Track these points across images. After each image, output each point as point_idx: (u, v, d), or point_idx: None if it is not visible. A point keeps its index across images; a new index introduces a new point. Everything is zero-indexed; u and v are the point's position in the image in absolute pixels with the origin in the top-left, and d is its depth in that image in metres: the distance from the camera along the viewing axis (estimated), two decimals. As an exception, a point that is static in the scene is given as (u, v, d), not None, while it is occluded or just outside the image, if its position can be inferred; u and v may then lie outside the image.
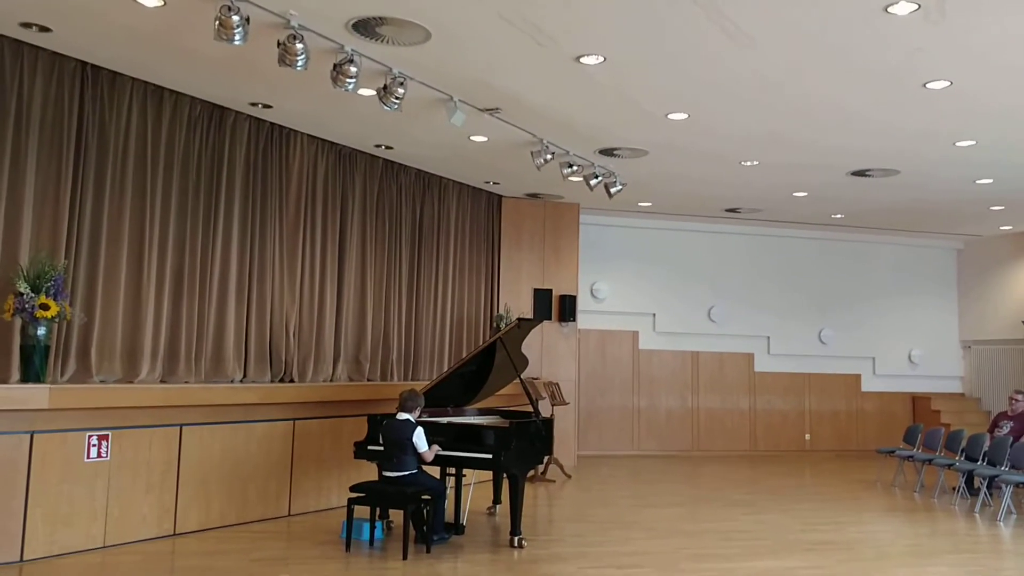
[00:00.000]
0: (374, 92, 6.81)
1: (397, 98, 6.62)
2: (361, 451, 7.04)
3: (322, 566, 5.96)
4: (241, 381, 7.97)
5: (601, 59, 6.41)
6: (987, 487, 9.06)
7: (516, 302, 11.59)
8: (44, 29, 6.10)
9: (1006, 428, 9.98)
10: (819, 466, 12.55)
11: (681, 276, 13.60)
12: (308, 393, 8.04)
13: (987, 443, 9.54)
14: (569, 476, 10.67)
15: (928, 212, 12.22)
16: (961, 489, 9.62)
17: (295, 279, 8.65)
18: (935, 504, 9.30)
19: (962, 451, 9.90)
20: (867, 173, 9.84)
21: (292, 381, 8.46)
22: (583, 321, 12.67)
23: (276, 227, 8.46)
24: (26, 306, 5.83)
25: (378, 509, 6.68)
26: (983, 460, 9.41)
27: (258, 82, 7.17)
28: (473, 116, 7.68)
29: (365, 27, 5.88)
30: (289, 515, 7.66)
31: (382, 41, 6.13)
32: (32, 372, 5.94)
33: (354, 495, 6.39)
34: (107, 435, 6.26)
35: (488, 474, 8.12)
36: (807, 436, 14.10)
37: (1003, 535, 7.77)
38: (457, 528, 7.00)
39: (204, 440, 6.99)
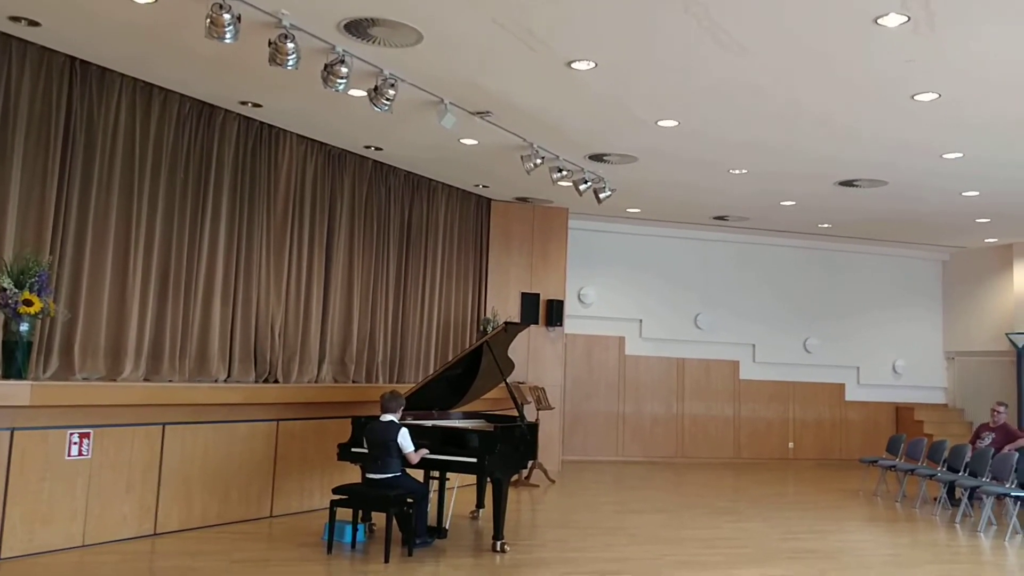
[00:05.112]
0: (365, 93, 6.80)
1: (388, 99, 6.61)
2: (345, 453, 7.01)
3: (303, 568, 5.93)
4: (225, 381, 7.93)
5: (592, 65, 6.42)
6: (968, 498, 9.12)
7: (503, 306, 11.59)
8: (33, 23, 6.06)
9: (988, 439, 10.04)
10: (802, 474, 12.59)
11: (668, 283, 13.62)
12: (292, 394, 8.00)
13: (969, 454, 9.59)
14: (553, 481, 10.66)
15: (914, 223, 12.30)
16: (943, 500, 9.66)
17: (281, 279, 8.61)
18: (917, 514, 9.35)
19: (944, 462, 9.95)
20: (854, 183, 9.89)
21: (276, 382, 8.42)
22: (570, 326, 12.67)
23: (263, 226, 8.43)
24: (9, 302, 5.77)
25: (360, 512, 6.66)
26: (965, 471, 9.46)
27: (248, 81, 7.15)
28: (464, 119, 7.67)
29: (357, 28, 5.87)
30: (271, 516, 7.62)
31: (374, 42, 6.11)
32: (14, 368, 5.87)
33: (337, 497, 6.36)
34: (89, 433, 6.21)
35: (472, 478, 8.09)
36: (791, 444, 14.15)
37: (983, 546, 7.81)
38: (440, 532, 6.97)
39: (187, 439, 6.94)
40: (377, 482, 6.33)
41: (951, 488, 9.65)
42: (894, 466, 10.41)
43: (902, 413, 14.60)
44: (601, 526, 7.92)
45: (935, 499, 9.84)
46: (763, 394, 14.09)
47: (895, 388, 14.68)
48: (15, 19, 6.00)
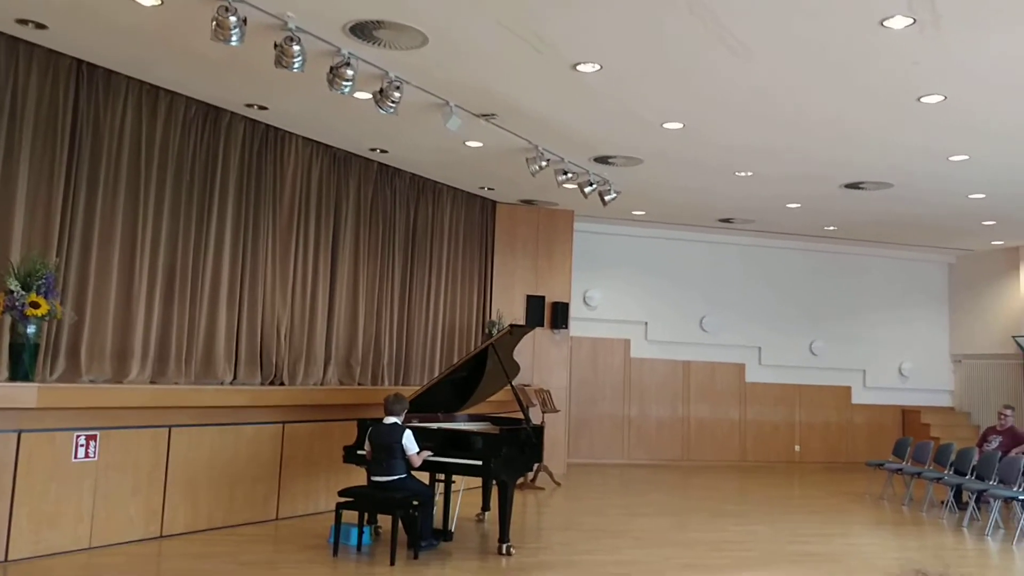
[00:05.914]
0: (370, 95, 6.80)
1: (393, 102, 6.61)
2: (350, 455, 7.02)
3: (309, 571, 5.93)
4: (231, 383, 7.93)
5: (598, 67, 6.42)
6: (975, 501, 9.08)
7: (509, 308, 11.58)
8: (40, 26, 6.08)
9: (995, 443, 10.01)
10: (808, 477, 12.56)
11: (674, 285, 13.60)
12: (298, 396, 8.01)
13: (976, 457, 9.56)
14: (559, 484, 10.65)
15: (920, 226, 12.26)
16: (949, 503, 9.63)
17: (287, 282, 8.63)
18: (923, 517, 9.31)
19: (951, 465, 9.93)
20: (860, 186, 9.87)
21: (282, 384, 8.43)
22: (575, 329, 12.65)
23: (269, 229, 8.44)
24: (16, 304, 5.80)
25: (366, 514, 6.66)
26: (972, 474, 9.43)
27: (254, 83, 7.16)
28: (469, 121, 7.67)
29: (362, 30, 5.88)
30: (277, 519, 7.62)
31: (379, 45, 6.12)
32: (21, 371, 5.90)
33: (342, 500, 6.36)
34: (95, 435, 6.21)
35: (477, 481, 8.09)
36: (797, 447, 14.11)
37: (991, 549, 7.78)
38: (445, 535, 6.97)
39: (192, 442, 6.94)
40: (383, 484, 6.33)
41: (958, 491, 9.62)
42: (900, 469, 10.39)
43: (908, 416, 14.55)
44: (607, 529, 7.91)
45: (942, 502, 9.81)
46: (769, 397, 14.05)
47: (901, 391, 14.63)
48: (22, 22, 6.02)
